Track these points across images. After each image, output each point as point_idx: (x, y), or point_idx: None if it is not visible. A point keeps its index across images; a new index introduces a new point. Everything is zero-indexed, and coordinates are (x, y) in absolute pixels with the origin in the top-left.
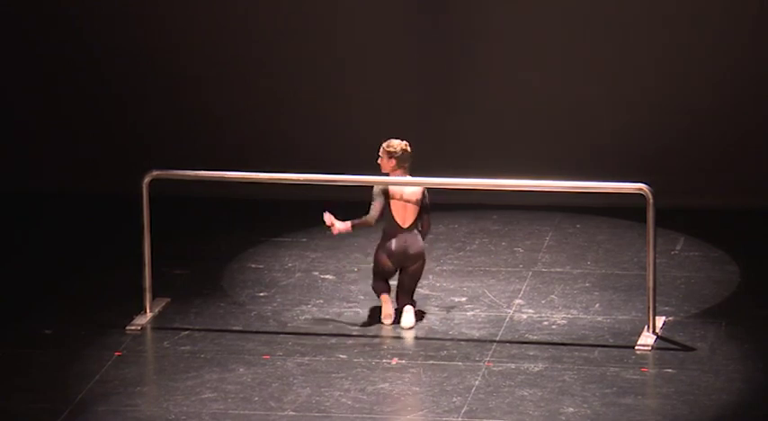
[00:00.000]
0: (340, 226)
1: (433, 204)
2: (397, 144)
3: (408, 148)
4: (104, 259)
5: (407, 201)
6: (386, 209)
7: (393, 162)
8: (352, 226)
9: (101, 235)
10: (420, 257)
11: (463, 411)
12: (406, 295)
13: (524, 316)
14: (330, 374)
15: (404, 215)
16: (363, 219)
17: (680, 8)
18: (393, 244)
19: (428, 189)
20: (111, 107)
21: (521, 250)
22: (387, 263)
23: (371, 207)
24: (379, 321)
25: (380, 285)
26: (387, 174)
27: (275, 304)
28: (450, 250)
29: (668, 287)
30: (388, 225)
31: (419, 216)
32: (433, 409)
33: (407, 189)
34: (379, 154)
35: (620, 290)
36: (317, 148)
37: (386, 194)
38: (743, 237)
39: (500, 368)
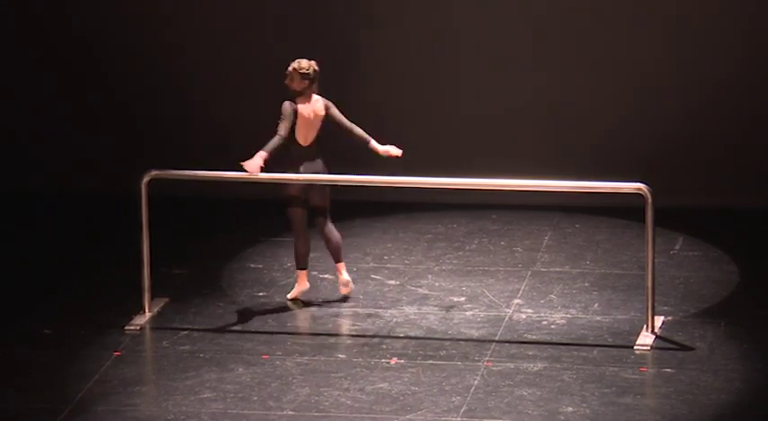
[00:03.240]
0: (256, 162)
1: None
2: (308, 63)
3: (317, 68)
4: (104, 259)
5: (311, 120)
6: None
7: (306, 83)
8: (268, 153)
9: (100, 235)
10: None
11: (462, 411)
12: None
13: (523, 315)
14: (329, 374)
15: (305, 134)
16: (273, 141)
17: (679, 7)
18: (301, 169)
19: (333, 107)
20: (110, 107)
21: (520, 250)
22: (293, 192)
23: (279, 126)
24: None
25: (300, 254)
26: (296, 94)
27: (274, 304)
28: (449, 250)
29: (667, 287)
30: (292, 144)
31: (320, 133)
32: (432, 409)
33: (314, 109)
34: (289, 74)
35: (618, 289)
36: None
37: (295, 114)
38: (742, 237)
39: (499, 368)
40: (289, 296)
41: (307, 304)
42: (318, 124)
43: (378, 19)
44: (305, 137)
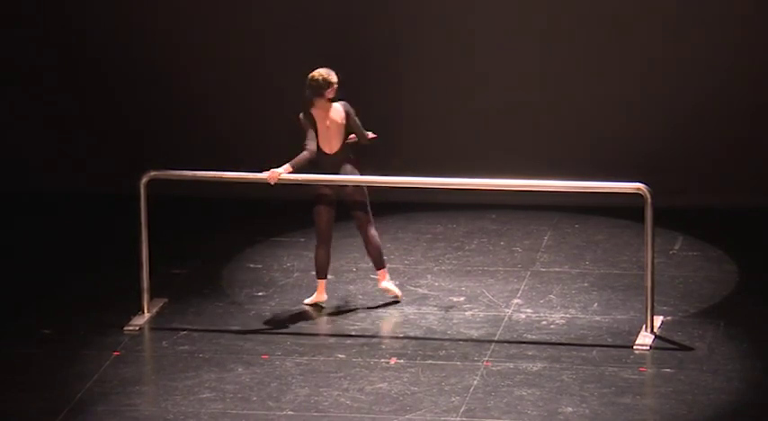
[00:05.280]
0: (278, 171)
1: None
2: (320, 73)
3: (326, 76)
4: (103, 259)
5: (330, 127)
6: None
7: (335, 87)
8: (293, 167)
9: (99, 235)
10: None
11: (462, 411)
12: (375, 252)
13: (523, 315)
14: (329, 374)
15: (329, 141)
16: (302, 155)
17: (678, 8)
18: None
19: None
20: (110, 107)
21: (519, 250)
22: (323, 191)
23: (307, 141)
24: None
25: (320, 263)
26: (310, 104)
27: (273, 304)
28: (448, 250)
29: (666, 286)
30: (317, 153)
31: (345, 140)
32: (431, 409)
33: (333, 114)
34: (330, 85)
35: (618, 289)
36: None
37: (311, 121)
38: (741, 237)
39: (498, 368)
40: (306, 301)
41: (315, 306)
42: (340, 131)
43: (376, 20)
44: (329, 145)
